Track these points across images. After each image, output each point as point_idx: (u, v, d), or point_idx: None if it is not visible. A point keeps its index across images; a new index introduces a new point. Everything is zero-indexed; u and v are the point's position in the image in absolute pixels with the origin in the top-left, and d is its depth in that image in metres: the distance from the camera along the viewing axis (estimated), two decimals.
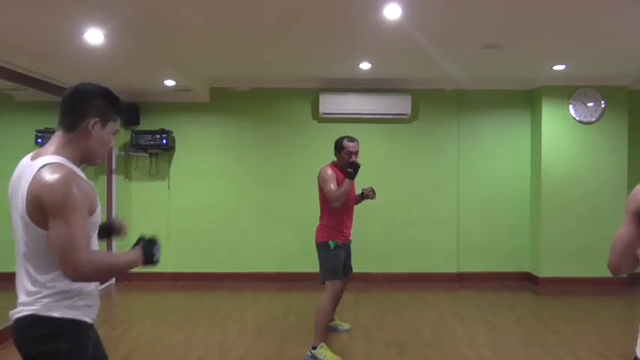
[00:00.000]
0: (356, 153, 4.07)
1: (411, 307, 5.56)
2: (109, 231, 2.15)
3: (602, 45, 4.77)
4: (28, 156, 1.86)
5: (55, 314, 1.76)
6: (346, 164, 4.03)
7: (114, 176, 6.61)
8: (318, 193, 4.15)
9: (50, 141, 1.86)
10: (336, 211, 4.05)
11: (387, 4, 3.62)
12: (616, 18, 3.97)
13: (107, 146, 1.94)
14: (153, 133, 6.44)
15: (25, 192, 1.72)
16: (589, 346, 4.34)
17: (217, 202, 6.70)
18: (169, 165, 6.71)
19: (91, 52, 4.22)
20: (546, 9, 3.77)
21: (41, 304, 1.76)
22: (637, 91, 6.57)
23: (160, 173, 6.69)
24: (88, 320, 1.86)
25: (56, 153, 1.81)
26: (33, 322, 1.77)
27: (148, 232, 2.02)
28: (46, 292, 1.76)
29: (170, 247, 6.66)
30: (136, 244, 1.96)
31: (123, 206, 6.64)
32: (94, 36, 3.88)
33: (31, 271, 1.77)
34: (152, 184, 6.69)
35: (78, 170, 1.83)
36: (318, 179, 4.09)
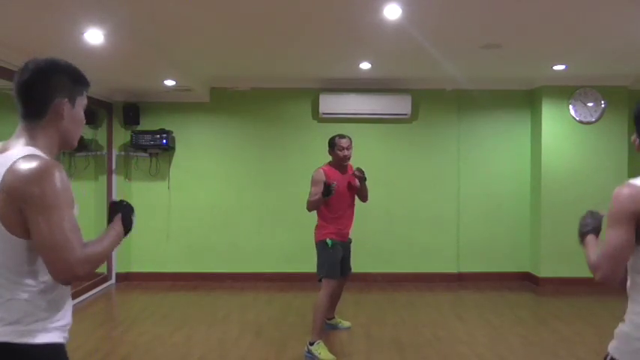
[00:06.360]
0: (347, 147, 4.20)
1: (411, 306, 5.56)
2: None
3: (602, 45, 4.77)
4: None
5: (33, 340, 1.48)
6: (339, 159, 4.20)
7: (114, 176, 6.60)
8: None
9: (17, 133, 1.62)
10: (332, 210, 4.16)
11: (387, 4, 3.62)
12: (616, 18, 3.97)
13: (82, 124, 1.71)
14: (153, 133, 6.43)
15: None
16: (589, 346, 4.34)
17: (217, 202, 6.69)
18: (169, 165, 6.71)
19: (91, 52, 4.22)
20: (546, 9, 3.77)
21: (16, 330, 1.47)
22: (637, 91, 6.56)
23: (159, 173, 6.68)
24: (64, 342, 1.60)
25: (28, 144, 1.58)
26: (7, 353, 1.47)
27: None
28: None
29: (170, 247, 6.67)
30: (110, 211, 1.77)
31: None
32: (94, 36, 3.88)
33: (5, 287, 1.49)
34: (152, 185, 6.68)
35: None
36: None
